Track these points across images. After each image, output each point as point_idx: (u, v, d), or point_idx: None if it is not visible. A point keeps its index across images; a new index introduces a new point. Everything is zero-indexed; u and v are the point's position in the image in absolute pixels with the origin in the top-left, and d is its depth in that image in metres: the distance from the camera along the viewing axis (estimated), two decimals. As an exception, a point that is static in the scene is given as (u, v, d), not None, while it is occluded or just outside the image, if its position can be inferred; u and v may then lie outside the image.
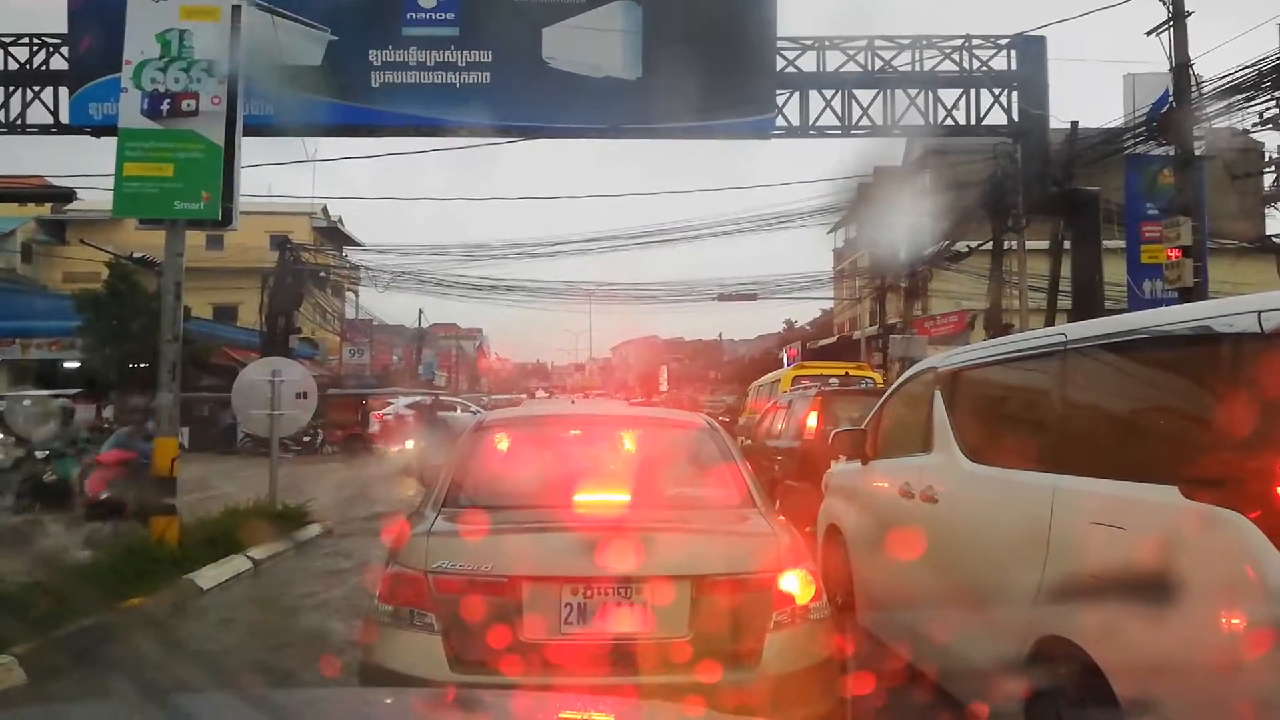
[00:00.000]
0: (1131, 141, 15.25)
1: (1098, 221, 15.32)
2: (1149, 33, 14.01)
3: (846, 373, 16.28)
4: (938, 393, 4.90)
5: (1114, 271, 15.65)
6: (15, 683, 5.17)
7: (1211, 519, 2.77)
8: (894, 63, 15.25)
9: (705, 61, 14.60)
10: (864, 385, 14.26)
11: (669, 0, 15.04)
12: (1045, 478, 3.66)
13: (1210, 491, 2.80)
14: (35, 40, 15.16)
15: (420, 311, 49.45)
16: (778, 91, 15.21)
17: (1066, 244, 16.72)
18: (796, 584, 3.62)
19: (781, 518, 4.12)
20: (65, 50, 14.93)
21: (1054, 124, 15.80)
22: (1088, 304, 14.46)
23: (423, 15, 15.09)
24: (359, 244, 43.70)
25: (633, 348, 79.99)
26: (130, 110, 8.84)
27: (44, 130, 15.28)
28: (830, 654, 3.66)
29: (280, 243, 30.39)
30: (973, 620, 4.01)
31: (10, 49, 15.12)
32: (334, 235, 45.75)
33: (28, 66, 15.14)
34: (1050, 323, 15.60)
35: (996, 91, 15.29)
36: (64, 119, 14.99)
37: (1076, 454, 3.60)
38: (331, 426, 27.98)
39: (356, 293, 44.33)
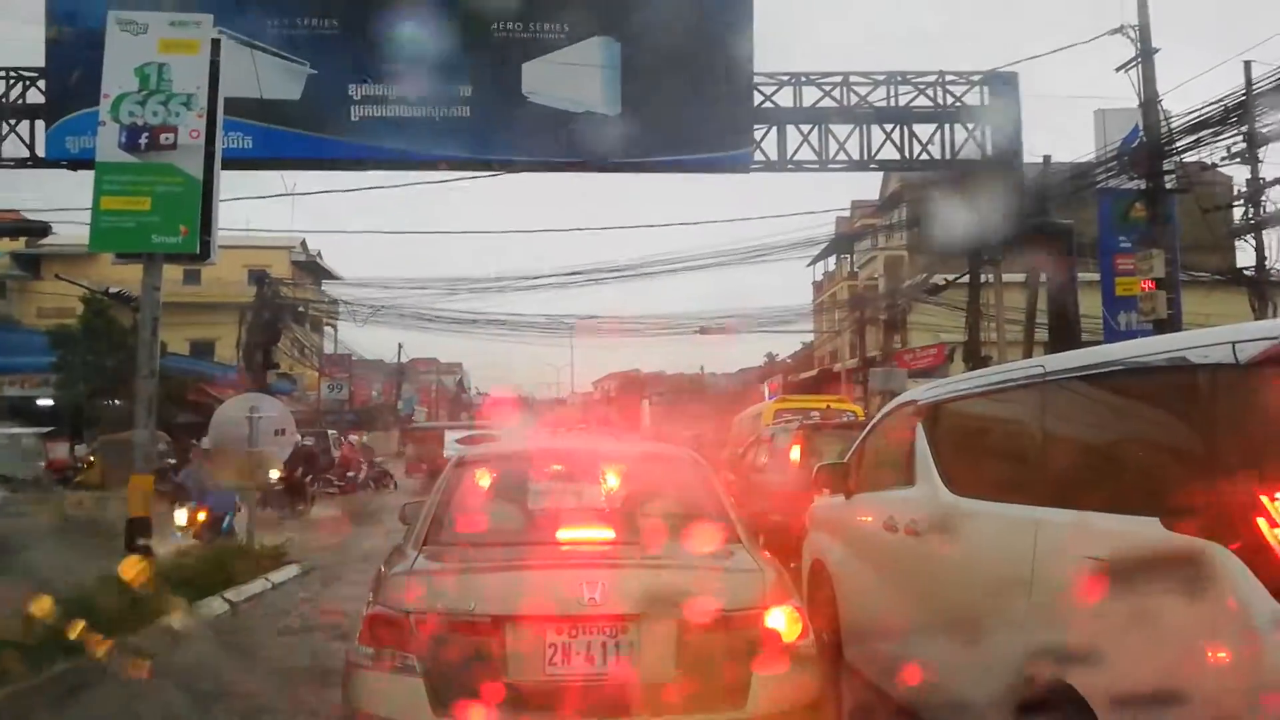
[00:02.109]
0: (1103, 176, 15.50)
1: (1072, 254, 15.52)
2: (1118, 69, 14.33)
3: (828, 406, 16.30)
4: (919, 426, 4.91)
5: (1089, 303, 15.85)
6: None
7: (1193, 550, 2.77)
8: (869, 98, 15.48)
9: (684, 97, 14.80)
10: (846, 418, 14.28)
11: (648, 37, 15.22)
12: (1027, 510, 3.66)
13: (1191, 523, 2.81)
14: (12, 73, 15.12)
15: (400, 346, 49.20)
16: (756, 126, 15.40)
17: (1042, 277, 16.91)
18: (783, 621, 3.59)
19: (766, 553, 4.10)
20: (42, 83, 14.90)
21: (1027, 158, 16.07)
22: (1064, 335, 14.60)
23: (403, 50, 15.17)
24: (338, 278, 43.56)
25: (614, 382, 79.87)
26: (108, 144, 8.82)
27: (20, 164, 15.20)
28: (818, 692, 3.63)
29: (258, 277, 30.25)
30: (959, 655, 3.99)
31: (-13, 82, 15.07)
32: (313, 269, 45.60)
33: (4, 100, 15.08)
34: (1028, 354, 15.73)
35: (970, 126, 15.54)
36: (40, 152, 14.92)
37: (1057, 486, 3.61)
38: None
39: (335, 327, 44.13)
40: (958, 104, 15.50)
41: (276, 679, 6.35)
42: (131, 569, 8.23)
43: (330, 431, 29.06)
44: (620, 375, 77.49)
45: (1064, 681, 3.12)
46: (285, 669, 6.64)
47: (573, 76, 15.20)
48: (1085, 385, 3.62)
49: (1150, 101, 13.94)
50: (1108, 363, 3.56)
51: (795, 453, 10.21)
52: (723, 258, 21.52)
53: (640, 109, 15.00)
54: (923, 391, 5.41)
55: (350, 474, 24.62)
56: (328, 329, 43.98)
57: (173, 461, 18.30)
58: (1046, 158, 16.91)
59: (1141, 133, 14.14)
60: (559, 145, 15.35)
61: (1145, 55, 14.04)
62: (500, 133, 15.12)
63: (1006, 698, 3.44)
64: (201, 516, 11.44)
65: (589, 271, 29.93)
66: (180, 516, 11.23)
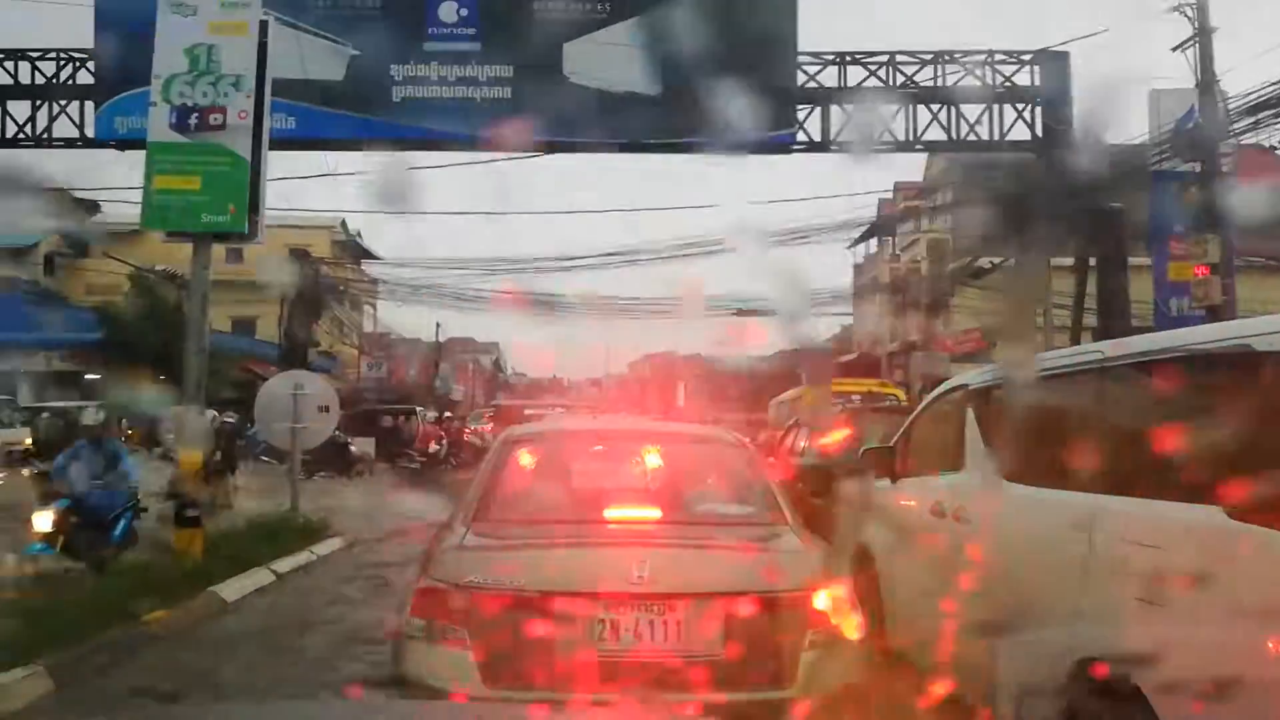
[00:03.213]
0: (1157, 158, 15.14)
1: (1123, 238, 15.18)
2: (1174, 49, 13.98)
3: (870, 390, 16.17)
4: (969, 410, 4.85)
5: (1138, 289, 15.51)
6: (43, 691, 5.22)
7: (1257, 540, 2.72)
8: (915, 78, 15.23)
9: (726, 76, 14.63)
10: (888, 403, 14.17)
11: (690, 16, 15.08)
12: (1082, 497, 3.60)
13: (1256, 512, 2.75)
14: (62, 55, 15.33)
15: (438, 325, 49.46)
16: (799, 106, 15.22)
17: (1091, 261, 16.57)
18: (831, 603, 3.58)
19: (812, 535, 4.09)
20: (91, 65, 15.11)
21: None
22: (1114, 322, 14.31)
23: (444, 30, 15.21)
24: (378, 258, 43.85)
25: (650, 364, 79.82)
26: (159, 124, 8.95)
27: (69, 144, 15.43)
28: (863, 674, 3.62)
29: (300, 256, 30.55)
30: (1008, 642, 3.95)
31: (37, 63, 15.30)
32: (353, 249, 45.97)
33: (54, 81, 15.30)
34: (1075, 341, 15.45)
35: (1020, 107, 15.21)
36: (89, 133, 15.15)
37: (1115, 473, 3.55)
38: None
39: (375, 306, 44.52)
40: (1007, 84, 15.18)
41: (319, 645, 6.48)
42: (183, 540, 8.44)
43: (419, 409, 29.22)
44: (656, 357, 77.44)
45: (1120, 672, 3.08)
46: (325, 635, 6.77)
47: (614, 56, 15.12)
48: (1146, 372, 3.55)
49: (1207, 82, 13.58)
50: (1169, 349, 3.49)
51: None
52: (763, 240, 21.29)
53: (682, 89, 14.90)
54: (974, 376, 5.34)
55: (433, 449, 24.84)
56: (367, 308, 44.39)
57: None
58: (1099, 139, 16.52)
59: (1197, 114, 13.79)
60: (599, 126, 15.29)
61: (1203, 33, 13.68)
62: (541, 113, 15.05)
63: (1058, 687, 3.40)
64: (74, 520, 7.92)
65: (627, 253, 29.72)
66: (43, 521, 7.87)
